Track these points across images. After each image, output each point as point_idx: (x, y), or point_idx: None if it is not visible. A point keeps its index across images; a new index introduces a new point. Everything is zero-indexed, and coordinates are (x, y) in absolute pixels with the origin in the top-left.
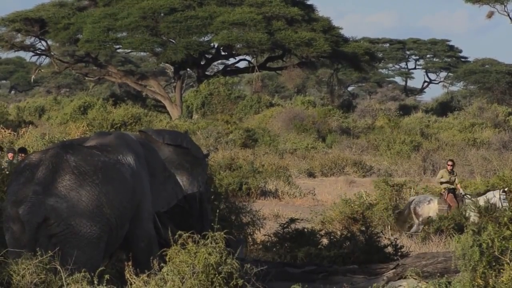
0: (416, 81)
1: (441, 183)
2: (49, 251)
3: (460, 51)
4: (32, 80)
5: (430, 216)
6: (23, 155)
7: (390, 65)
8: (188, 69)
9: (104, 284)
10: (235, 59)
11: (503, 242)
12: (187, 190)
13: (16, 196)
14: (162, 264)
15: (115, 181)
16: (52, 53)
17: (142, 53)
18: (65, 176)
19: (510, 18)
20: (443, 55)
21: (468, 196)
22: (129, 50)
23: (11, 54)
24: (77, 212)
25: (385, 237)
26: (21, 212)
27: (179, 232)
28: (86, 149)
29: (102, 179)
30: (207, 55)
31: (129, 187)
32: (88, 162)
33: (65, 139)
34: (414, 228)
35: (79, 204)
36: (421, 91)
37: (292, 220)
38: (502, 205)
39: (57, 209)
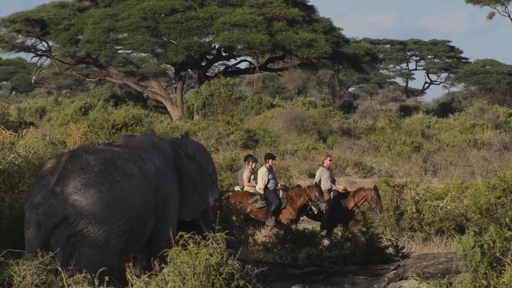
0: (417, 82)
1: None
2: (67, 251)
3: (461, 52)
4: (33, 81)
5: None
6: None
7: (391, 66)
8: (189, 70)
9: (105, 285)
10: (236, 60)
11: (505, 243)
12: (208, 203)
13: (36, 199)
14: (163, 265)
15: (136, 178)
16: (53, 54)
17: (142, 54)
18: (85, 175)
19: (511, 19)
20: (443, 56)
21: None
22: (130, 51)
23: (12, 55)
24: (97, 211)
25: (386, 238)
26: (39, 213)
27: (180, 232)
28: (106, 147)
29: (122, 176)
30: (208, 56)
31: (151, 185)
32: (108, 160)
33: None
34: None
35: (99, 202)
36: (422, 92)
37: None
38: None
39: (77, 208)
